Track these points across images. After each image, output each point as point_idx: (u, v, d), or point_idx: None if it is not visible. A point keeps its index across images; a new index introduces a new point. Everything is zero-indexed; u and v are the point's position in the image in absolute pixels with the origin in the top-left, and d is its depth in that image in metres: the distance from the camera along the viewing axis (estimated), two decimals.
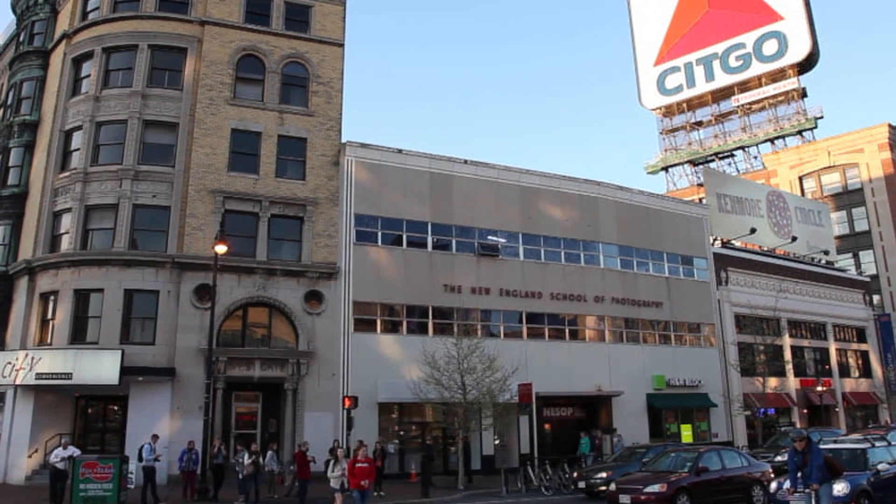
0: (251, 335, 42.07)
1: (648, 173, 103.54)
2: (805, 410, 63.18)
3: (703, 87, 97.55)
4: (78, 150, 42.53)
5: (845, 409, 67.19)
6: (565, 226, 52.01)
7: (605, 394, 50.01)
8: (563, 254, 51.54)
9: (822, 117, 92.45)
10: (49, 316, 40.72)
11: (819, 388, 61.83)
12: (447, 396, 38.85)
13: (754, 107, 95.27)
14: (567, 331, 50.93)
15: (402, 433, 45.18)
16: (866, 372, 72.28)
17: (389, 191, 46.29)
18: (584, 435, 45.11)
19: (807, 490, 18.84)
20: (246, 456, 32.39)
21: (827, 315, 68.52)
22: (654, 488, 27.12)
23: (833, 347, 68.80)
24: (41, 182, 43.32)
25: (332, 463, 26.30)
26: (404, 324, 45.68)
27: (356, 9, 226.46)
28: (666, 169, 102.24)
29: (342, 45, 47.73)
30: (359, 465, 23.68)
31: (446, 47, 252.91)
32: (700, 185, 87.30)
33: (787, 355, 61.17)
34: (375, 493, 35.76)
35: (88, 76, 44.06)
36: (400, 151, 47.36)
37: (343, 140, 46.01)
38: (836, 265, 76.16)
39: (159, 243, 41.03)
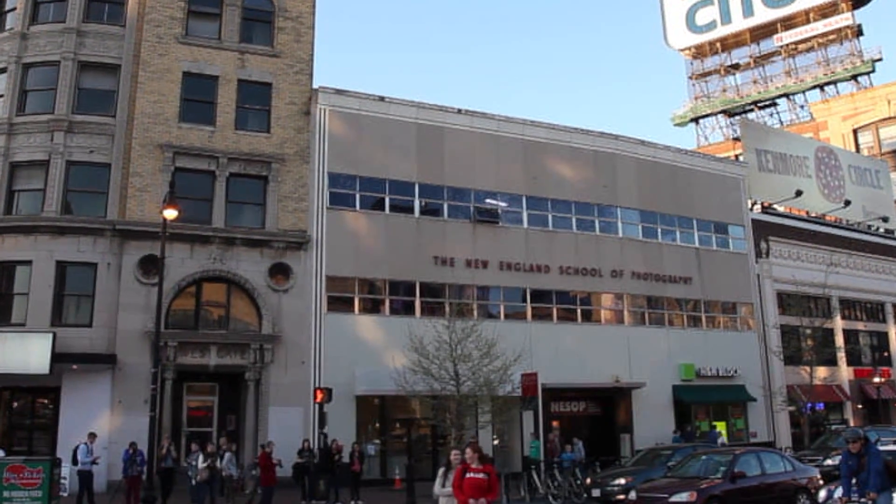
0: (206, 316, 41.96)
1: (675, 125, 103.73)
2: (860, 405, 63.36)
3: (740, 23, 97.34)
4: (2, 96, 42.03)
5: None
6: (577, 187, 51.88)
7: (624, 385, 50.05)
8: (574, 220, 51.46)
9: (880, 59, 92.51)
10: None
11: (876, 380, 61.84)
12: (437, 388, 38.61)
13: (801, 47, 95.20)
14: (579, 311, 50.99)
15: (384, 432, 45.31)
16: None
17: (369, 145, 46.11)
18: (534, 437, 44.37)
19: (863, 499, 18.76)
20: (200, 458, 32.30)
21: (886, 293, 68.57)
22: (682, 497, 27.04)
23: (893, 331, 68.87)
24: None
25: (442, 472, 20.37)
26: (387, 303, 45.66)
27: None
28: (696, 120, 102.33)
29: None
30: (471, 475, 18.07)
31: None
32: (736, 139, 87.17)
33: (839, 341, 61.19)
34: (352, 502, 35.89)
35: (14, 10, 43.48)
36: (382, 99, 47.14)
37: (315, 86, 45.80)
38: None
39: (98, 207, 40.77)
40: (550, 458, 42.37)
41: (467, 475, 17.93)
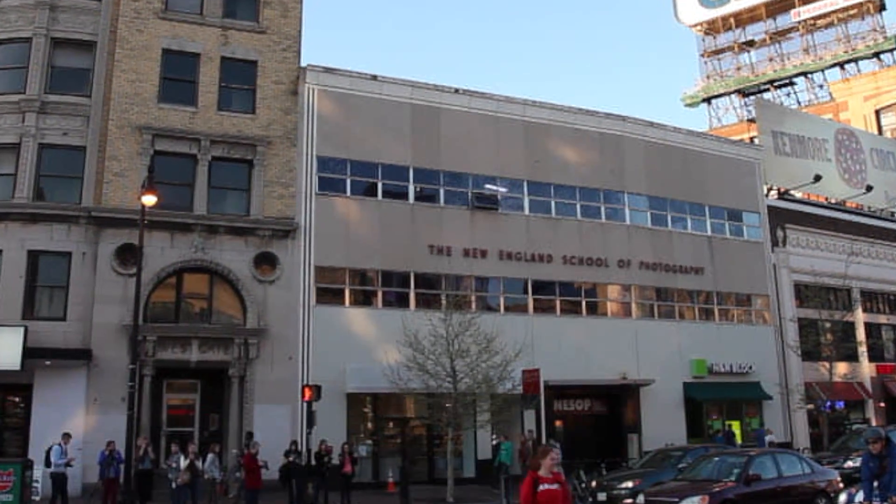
0: (187, 309, 41.97)
1: (686, 106, 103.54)
2: (882, 404, 63.32)
3: None
4: None
5: None
6: (582, 172, 51.83)
7: (632, 383, 50.09)
8: (578, 207, 51.45)
9: None
10: None
11: None
12: (433, 386, 38.78)
13: (819, 22, 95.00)
14: (584, 304, 50.93)
15: (376, 432, 45.35)
16: None
17: (361, 127, 46.02)
18: (505, 439, 43.22)
19: (885, 503, 18.78)
20: (181, 460, 32.29)
21: None
22: (693, 501, 26.92)
23: None
24: None
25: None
26: (379, 294, 45.66)
27: None
28: (708, 100, 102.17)
29: None
30: (545, 486, 14.88)
31: None
32: (751, 120, 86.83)
33: (861, 335, 61.14)
34: None
35: None
36: (374, 78, 47.07)
37: (303, 64, 45.71)
38: None
39: (72, 193, 40.65)
40: (523, 463, 41.31)
41: (541, 487, 14.83)
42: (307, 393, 38.41)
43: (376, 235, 45.26)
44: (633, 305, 52.28)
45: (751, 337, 56.08)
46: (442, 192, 47.62)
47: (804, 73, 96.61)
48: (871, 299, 65.28)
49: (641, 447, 48.05)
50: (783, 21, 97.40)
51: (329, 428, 39.28)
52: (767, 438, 48.10)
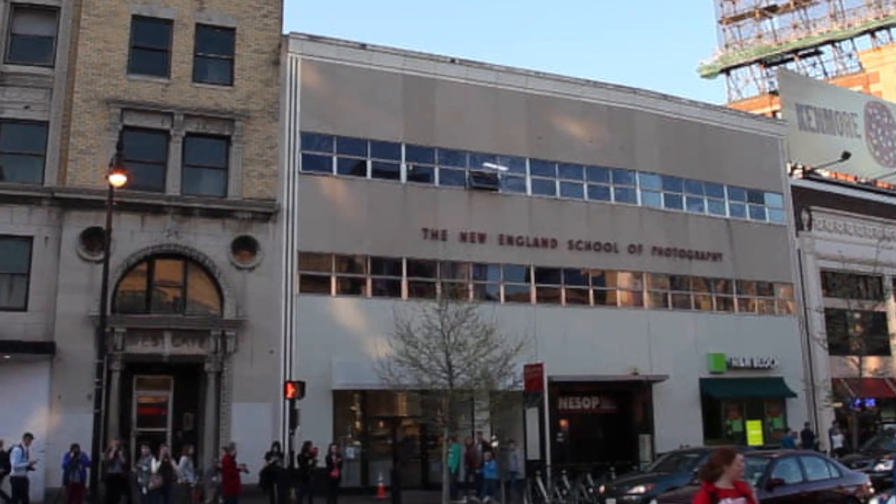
0: (159, 298, 41.92)
1: (703, 77, 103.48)
2: None
3: None
4: None
5: None
6: (589, 149, 51.74)
7: (644, 379, 50.02)
8: (585, 187, 51.43)
9: None
10: None
11: None
12: (427, 382, 38.45)
13: None
14: (591, 293, 50.96)
15: (365, 432, 45.35)
16: None
17: (349, 101, 45.98)
18: (453, 441, 41.75)
19: None
20: (152, 462, 32.25)
21: None
22: None
23: None
24: None
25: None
26: (368, 282, 45.64)
27: None
28: (727, 71, 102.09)
29: None
30: (728, 502, 12.17)
31: None
32: (774, 93, 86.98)
33: (893, 326, 61.24)
34: None
35: None
36: (363, 47, 46.96)
37: (285, 31, 45.60)
38: None
39: (33, 172, 40.57)
40: (470, 468, 41.00)
41: (722, 503, 12.17)
42: (290, 390, 38.21)
43: (365, 218, 45.20)
44: (645, 294, 52.26)
45: (773, 329, 55.99)
46: (437, 170, 47.57)
47: (831, 42, 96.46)
48: None
49: (654, 449, 48.00)
50: None
51: (314, 428, 39.20)
52: (837, 438, 48.12)
